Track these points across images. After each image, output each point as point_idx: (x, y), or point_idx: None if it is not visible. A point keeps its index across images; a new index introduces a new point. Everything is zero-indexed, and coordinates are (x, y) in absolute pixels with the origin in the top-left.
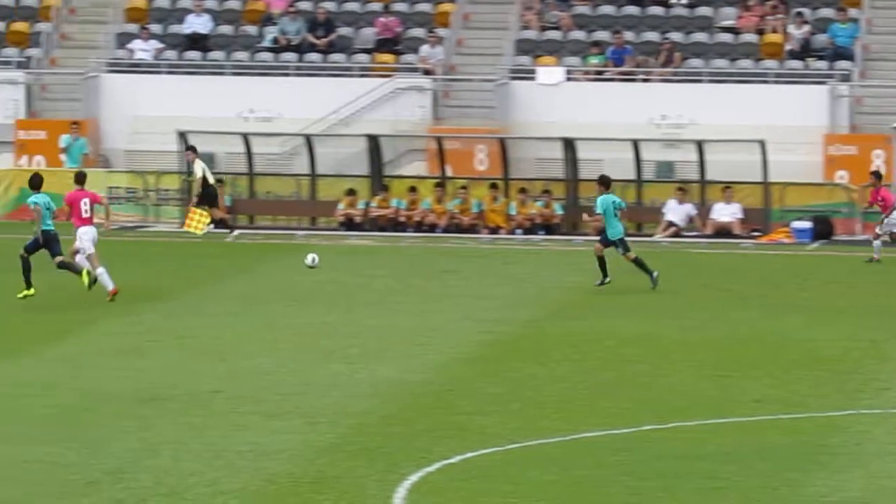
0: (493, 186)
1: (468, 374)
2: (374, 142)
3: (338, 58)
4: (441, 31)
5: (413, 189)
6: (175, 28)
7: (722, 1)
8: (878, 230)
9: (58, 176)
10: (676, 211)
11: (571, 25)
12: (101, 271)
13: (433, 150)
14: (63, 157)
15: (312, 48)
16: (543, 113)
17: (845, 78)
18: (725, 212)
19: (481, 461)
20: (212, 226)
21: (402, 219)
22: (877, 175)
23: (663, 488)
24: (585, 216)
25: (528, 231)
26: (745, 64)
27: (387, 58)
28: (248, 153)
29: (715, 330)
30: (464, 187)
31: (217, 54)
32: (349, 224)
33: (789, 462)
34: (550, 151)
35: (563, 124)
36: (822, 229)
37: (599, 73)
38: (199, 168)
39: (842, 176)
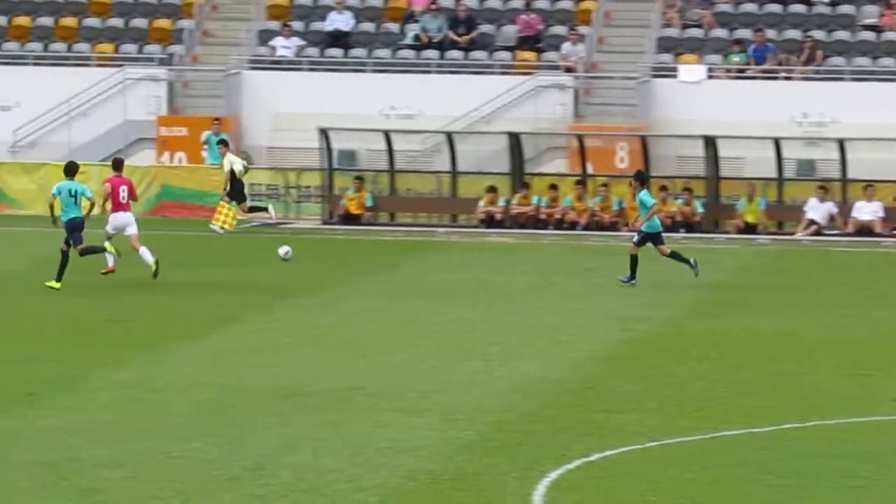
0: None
1: (607, 371)
2: (515, 139)
3: (479, 55)
4: (582, 29)
5: (554, 186)
6: (317, 25)
7: None
8: None
9: (200, 172)
10: (818, 209)
11: (713, 23)
12: (143, 250)
13: (574, 148)
14: (204, 153)
15: (454, 45)
16: (684, 111)
17: None
18: (867, 210)
19: (620, 459)
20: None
21: (543, 216)
22: None
23: (803, 487)
24: (631, 222)
25: (668, 229)
26: (888, 62)
27: (528, 55)
28: (390, 150)
29: (856, 328)
30: (604, 185)
31: (358, 51)
32: (490, 221)
33: None
34: (691, 149)
35: (704, 122)
36: None
37: (741, 70)
38: (229, 163)
39: None
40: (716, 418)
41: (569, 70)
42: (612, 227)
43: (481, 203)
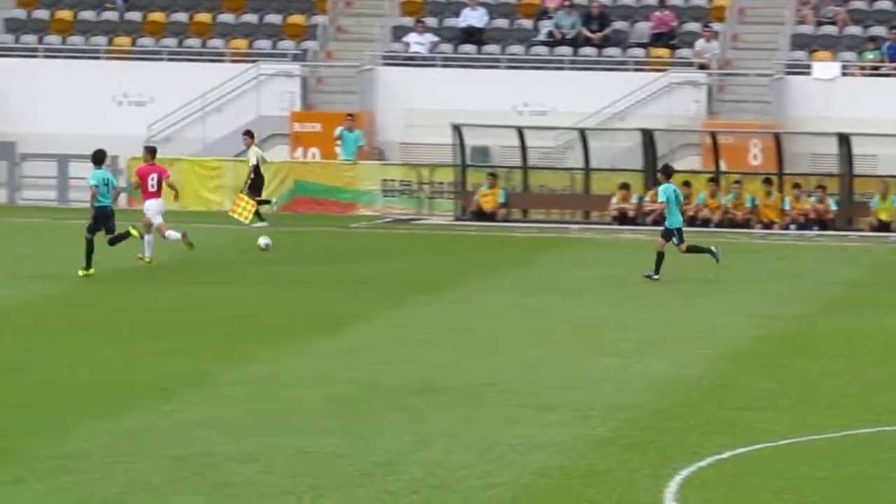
0: (767, 181)
1: (739, 369)
2: (648, 136)
3: (612, 52)
4: (716, 26)
5: (687, 183)
6: (450, 21)
7: None
8: None
9: (332, 168)
10: None
11: (847, 20)
12: (148, 239)
13: (707, 145)
14: (338, 149)
15: (587, 42)
16: (818, 108)
17: None
18: None
19: (752, 457)
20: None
21: None
22: None
23: None
24: (655, 217)
25: (801, 226)
26: None
27: (662, 52)
28: (523, 147)
29: None
30: (737, 182)
31: (492, 48)
32: (622, 218)
33: None
34: (825, 147)
35: (837, 119)
36: None
37: (875, 68)
38: (254, 155)
39: None
40: (848, 416)
41: (702, 67)
42: (745, 224)
43: (614, 200)
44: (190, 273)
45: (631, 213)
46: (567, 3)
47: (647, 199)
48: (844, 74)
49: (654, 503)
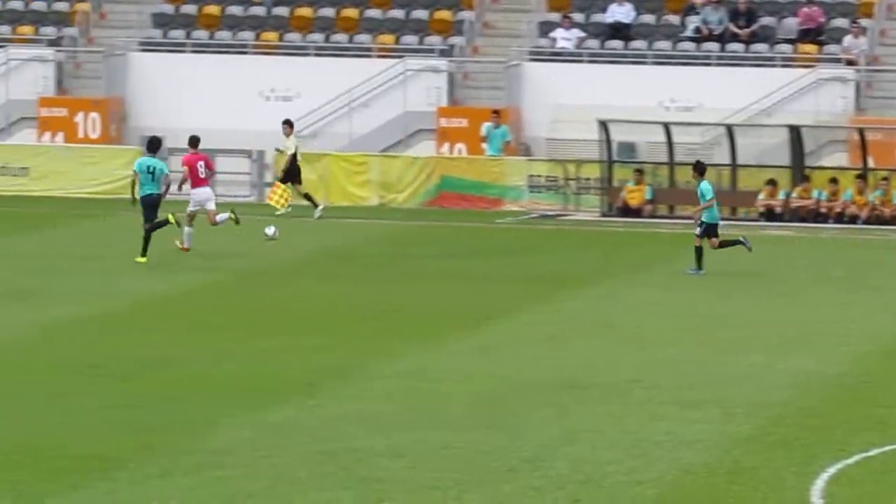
0: None
1: (887, 366)
2: (795, 132)
3: (760, 48)
4: (864, 22)
5: (834, 180)
6: (597, 17)
7: None
8: None
9: (479, 164)
10: None
11: None
12: (188, 231)
13: (855, 142)
14: (484, 145)
15: (734, 38)
16: None
17: None
18: None
19: None
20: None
21: (823, 210)
22: None
23: None
24: (694, 213)
25: None
26: None
27: (809, 48)
28: (669, 143)
29: None
30: (885, 179)
31: (639, 43)
32: (769, 214)
33: None
34: None
35: None
36: None
37: None
38: (293, 144)
39: None
40: None
41: (850, 63)
42: (893, 221)
43: (761, 196)
44: (337, 268)
45: (778, 210)
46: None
47: (795, 195)
48: None
49: (799, 500)
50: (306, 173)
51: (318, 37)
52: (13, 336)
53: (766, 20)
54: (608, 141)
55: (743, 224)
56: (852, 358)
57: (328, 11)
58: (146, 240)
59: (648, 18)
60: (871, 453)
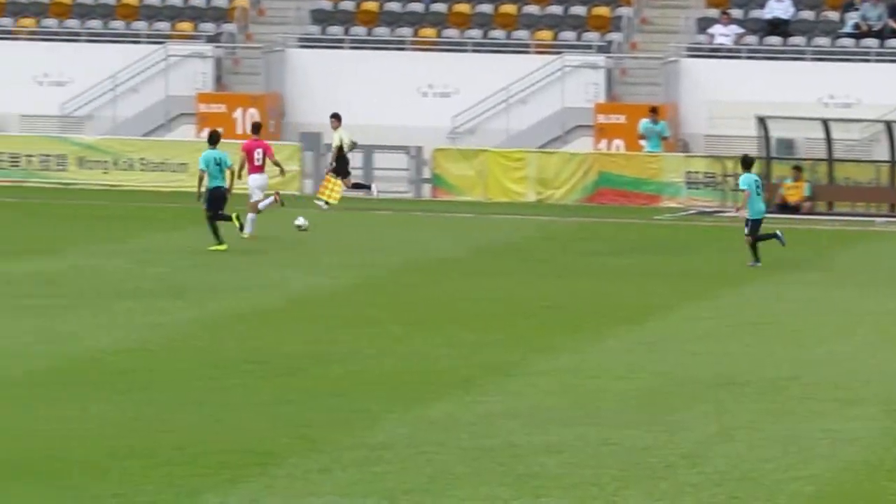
0: None
1: None
2: None
3: None
4: None
5: None
6: (756, 13)
7: None
8: None
9: (637, 160)
10: None
11: None
12: (251, 217)
13: None
14: (642, 141)
15: (893, 34)
16: None
17: None
18: None
19: None
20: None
21: None
22: None
23: None
24: (737, 208)
25: None
26: None
27: None
28: (828, 139)
29: None
30: None
31: (797, 40)
32: None
33: None
34: None
35: None
36: None
37: None
38: (338, 137)
39: None
40: None
41: None
42: None
43: None
44: (495, 264)
45: None
46: None
47: None
48: None
49: None
50: (463, 169)
51: (476, 33)
52: (172, 332)
53: None
54: (767, 137)
55: None
56: None
57: (486, 7)
58: (215, 228)
59: (807, 14)
60: None
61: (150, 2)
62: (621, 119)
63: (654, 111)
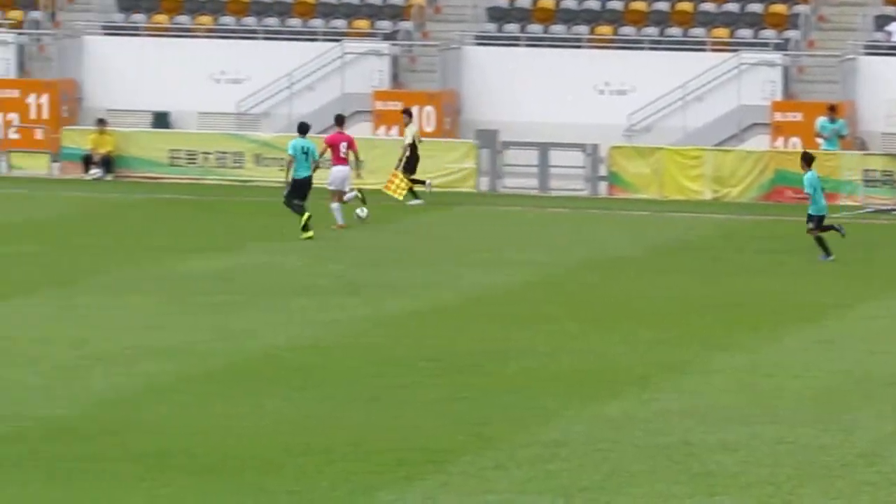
0: None
1: None
2: None
3: None
4: None
5: None
6: None
7: None
8: None
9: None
10: None
11: None
12: (335, 206)
13: None
14: (819, 140)
15: None
16: None
17: None
18: None
19: None
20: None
21: None
22: None
23: None
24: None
25: None
26: None
27: None
28: None
29: None
30: None
31: None
32: None
33: None
34: None
35: None
36: None
37: None
38: (410, 134)
39: None
40: None
41: None
42: None
43: None
44: (672, 261)
45: None
46: None
47: None
48: None
49: None
50: (639, 167)
51: (652, 31)
52: (348, 329)
53: None
54: None
55: None
56: None
57: (663, 5)
58: (299, 213)
59: None
60: None
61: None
62: (798, 117)
63: (832, 109)
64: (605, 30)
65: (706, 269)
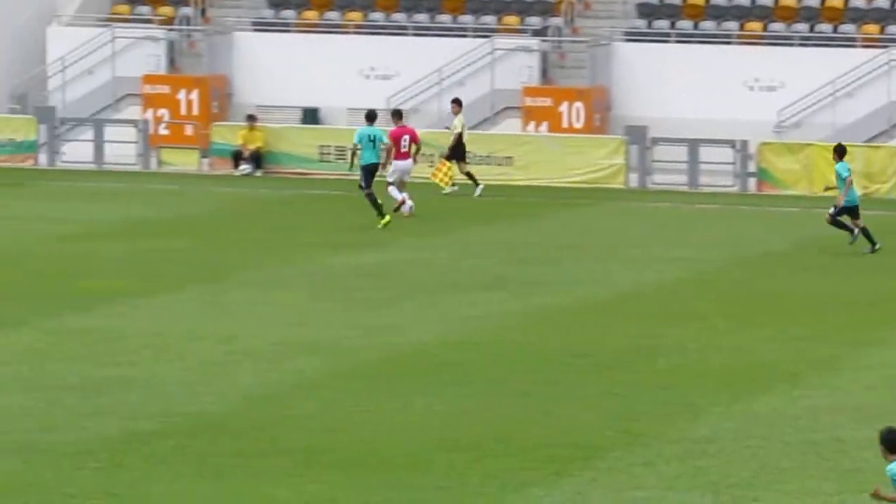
0: None
1: None
2: None
3: None
4: None
5: None
6: None
7: None
8: None
9: None
10: None
11: None
12: (393, 190)
13: None
14: None
15: None
16: None
17: None
18: None
19: None
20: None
21: None
22: None
23: None
24: (825, 188)
25: None
26: None
27: None
28: None
29: None
30: None
31: None
32: None
33: None
34: None
35: None
36: None
37: None
38: (459, 123)
39: None
40: None
41: None
42: None
43: None
44: (823, 258)
45: None
46: None
47: None
48: None
49: None
50: (789, 163)
51: (802, 27)
52: (496, 325)
53: None
54: None
55: None
56: None
57: (813, 1)
58: (374, 204)
59: None
60: None
61: None
62: None
63: None
64: (754, 26)
65: (855, 265)
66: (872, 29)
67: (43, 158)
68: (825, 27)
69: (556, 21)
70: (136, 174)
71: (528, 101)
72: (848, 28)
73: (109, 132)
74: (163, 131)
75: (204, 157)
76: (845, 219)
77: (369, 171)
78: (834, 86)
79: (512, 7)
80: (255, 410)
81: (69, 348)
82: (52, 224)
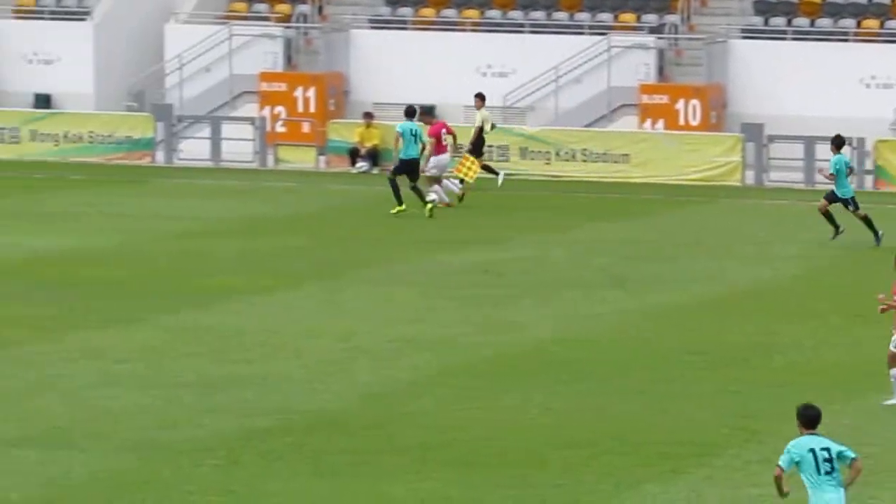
0: None
1: None
2: None
3: None
4: None
5: None
6: None
7: None
8: None
9: None
10: None
11: None
12: (439, 189)
13: None
14: None
15: None
16: None
17: None
18: None
19: None
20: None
21: None
22: None
23: None
24: (820, 173)
25: None
26: None
27: None
28: None
29: None
30: None
31: None
32: None
33: None
34: None
35: None
36: None
37: None
38: (480, 117)
39: None
40: None
41: None
42: None
43: None
44: None
45: None
46: None
47: None
48: None
49: None
50: None
51: None
52: (614, 322)
53: None
54: None
55: None
56: None
57: None
58: (395, 191)
59: None
60: None
61: None
62: None
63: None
64: (871, 23)
65: None
66: None
67: (160, 156)
68: None
69: (672, 18)
70: (252, 172)
71: (645, 99)
72: None
73: (226, 130)
74: (280, 129)
75: (321, 154)
76: (860, 214)
77: (408, 165)
78: None
79: (628, 4)
80: (372, 408)
81: (186, 346)
82: (169, 222)
